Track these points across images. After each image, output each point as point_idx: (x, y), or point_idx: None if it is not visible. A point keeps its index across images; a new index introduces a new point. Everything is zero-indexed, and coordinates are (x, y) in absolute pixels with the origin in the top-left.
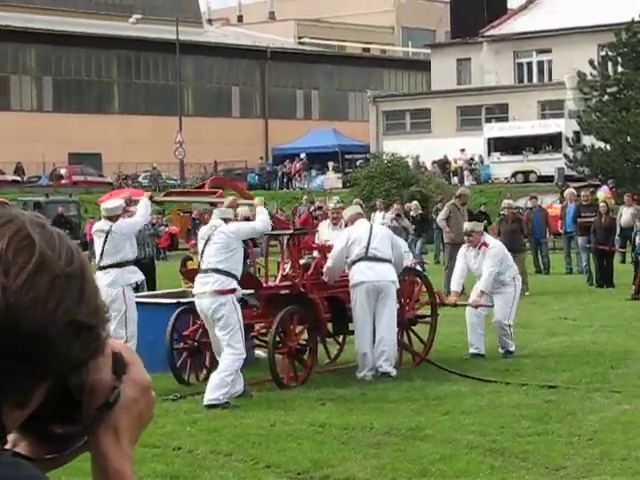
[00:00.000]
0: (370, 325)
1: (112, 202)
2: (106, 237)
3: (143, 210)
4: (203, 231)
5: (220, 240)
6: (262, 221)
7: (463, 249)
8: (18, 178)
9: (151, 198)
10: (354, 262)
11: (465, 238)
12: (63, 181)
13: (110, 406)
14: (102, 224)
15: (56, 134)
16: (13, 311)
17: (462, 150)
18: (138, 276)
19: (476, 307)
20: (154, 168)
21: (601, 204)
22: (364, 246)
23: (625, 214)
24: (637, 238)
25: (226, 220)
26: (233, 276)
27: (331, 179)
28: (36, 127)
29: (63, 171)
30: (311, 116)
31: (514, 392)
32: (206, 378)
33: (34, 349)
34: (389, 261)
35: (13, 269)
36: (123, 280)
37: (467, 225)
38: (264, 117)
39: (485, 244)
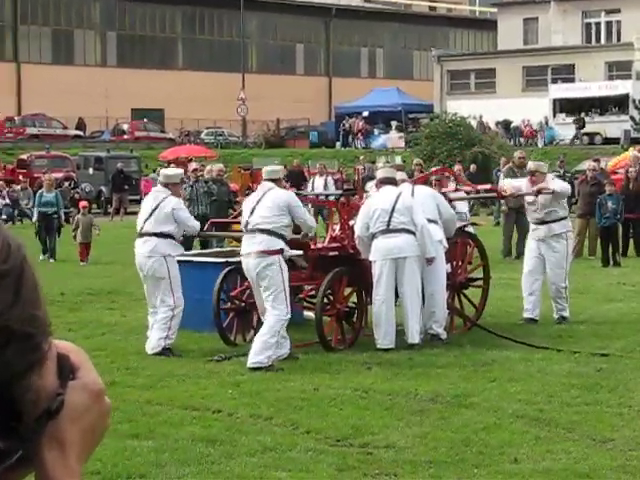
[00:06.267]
0: (392, 300)
1: (171, 170)
2: (156, 207)
3: (194, 225)
4: (252, 196)
5: (271, 203)
6: (312, 222)
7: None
8: (80, 133)
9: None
10: (374, 235)
11: (528, 177)
12: (125, 137)
13: (51, 415)
14: (158, 191)
15: (119, 89)
16: None
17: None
18: (178, 250)
19: (537, 193)
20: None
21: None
22: (385, 221)
23: None
24: None
25: (275, 181)
26: (280, 236)
27: (393, 138)
28: (99, 82)
29: (125, 126)
30: (375, 75)
31: (565, 360)
32: (253, 339)
33: None
34: (411, 232)
35: None
36: (163, 249)
37: (531, 164)
38: (328, 75)
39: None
